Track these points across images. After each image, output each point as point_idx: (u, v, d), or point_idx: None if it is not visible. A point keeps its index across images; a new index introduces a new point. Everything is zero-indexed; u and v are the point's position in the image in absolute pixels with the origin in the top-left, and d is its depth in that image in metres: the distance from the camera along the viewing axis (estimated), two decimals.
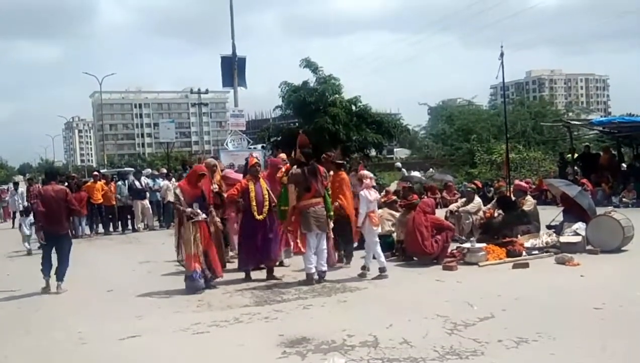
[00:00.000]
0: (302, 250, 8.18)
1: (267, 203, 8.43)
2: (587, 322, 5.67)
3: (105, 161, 58.03)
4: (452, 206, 11.82)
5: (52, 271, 8.62)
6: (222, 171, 10.67)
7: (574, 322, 5.67)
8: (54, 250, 8.74)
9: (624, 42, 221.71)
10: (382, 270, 8.39)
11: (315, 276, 8.11)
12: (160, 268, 10.04)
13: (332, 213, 8.43)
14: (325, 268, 8.24)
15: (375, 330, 5.63)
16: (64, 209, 8.79)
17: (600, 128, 21.63)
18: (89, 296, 8.25)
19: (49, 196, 8.74)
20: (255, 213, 8.36)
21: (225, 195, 9.25)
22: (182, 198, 8.01)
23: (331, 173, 9.03)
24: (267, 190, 8.54)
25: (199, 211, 8.04)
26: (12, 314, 7.49)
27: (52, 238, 8.72)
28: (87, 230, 16.75)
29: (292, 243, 8.77)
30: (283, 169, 9.13)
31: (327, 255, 8.41)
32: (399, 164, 23.03)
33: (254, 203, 8.35)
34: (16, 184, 21.65)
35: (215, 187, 9.15)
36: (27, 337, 6.29)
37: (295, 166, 8.50)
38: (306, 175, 8.18)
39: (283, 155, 10.54)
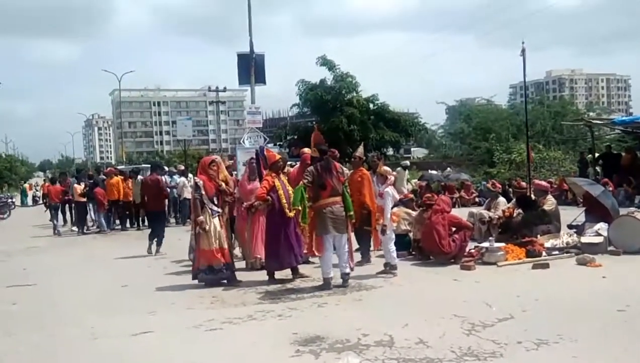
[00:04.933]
0: (317, 253, 7.73)
1: (292, 198, 8.07)
2: (609, 324, 5.49)
3: (124, 158, 58.33)
4: (484, 213, 11.35)
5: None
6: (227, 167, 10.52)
7: (596, 324, 5.50)
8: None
9: None
10: (391, 267, 8.29)
11: (338, 281, 7.69)
12: (176, 265, 10.02)
13: (352, 213, 7.89)
14: (348, 270, 7.71)
15: (391, 329, 5.51)
16: (158, 193, 12.29)
17: (622, 128, 21.25)
18: (104, 291, 8.23)
19: (148, 183, 12.63)
20: (287, 210, 7.99)
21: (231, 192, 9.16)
22: (204, 192, 8.00)
23: (346, 171, 8.80)
24: (288, 185, 8.36)
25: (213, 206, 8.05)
26: (26, 308, 7.48)
27: (152, 214, 12.37)
28: (104, 225, 16.88)
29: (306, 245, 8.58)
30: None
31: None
32: (406, 162, 22.33)
33: (284, 200, 8.02)
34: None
35: (222, 184, 9.00)
36: (40, 331, 6.27)
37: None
38: (319, 171, 7.75)
39: (307, 149, 10.14)
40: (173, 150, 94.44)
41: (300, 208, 7.58)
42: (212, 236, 7.99)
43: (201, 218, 7.94)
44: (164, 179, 16.69)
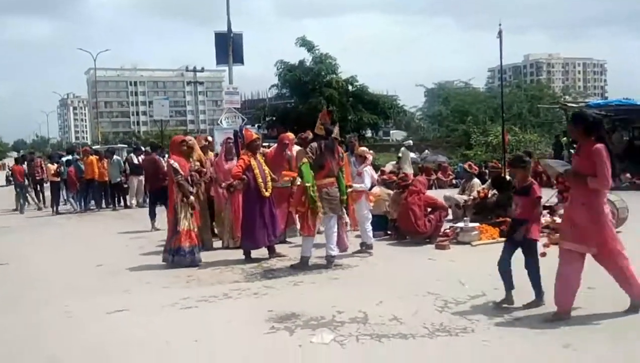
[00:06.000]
0: (311, 232, 7.61)
1: (269, 178, 8.17)
2: (578, 303, 5.59)
3: (100, 138, 57.51)
4: (457, 198, 11.48)
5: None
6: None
7: None
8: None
9: (622, 27, 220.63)
10: (367, 246, 8.35)
11: (313, 260, 7.71)
12: (152, 245, 9.95)
13: (345, 196, 7.86)
14: (334, 252, 7.64)
15: (365, 306, 5.58)
16: (155, 172, 12.10)
17: (597, 111, 21.52)
18: (79, 271, 8.18)
19: (147, 163, 13.20)
20: (263, 190, 8.05)
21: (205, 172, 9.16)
22: (181, 171, 7.98)
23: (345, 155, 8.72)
24: (265, 165, 8.36)
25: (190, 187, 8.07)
26: (0, 288, 7.42)
27: (152, 193, 12.40)
28: (75, 206, 16.72)
29: (298, 224, 8.55)
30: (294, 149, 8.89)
31: (339, 239, 7.89)
32: (409, 142, 21.78)
33: (260, 180, 8.02)
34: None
35: (197, 164, 8.98)
36: (13, 311, 6.23)
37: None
38: (322, 150, 7.63)
39: (290, 134, 10.08)
40: (150, 130, 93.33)
41: (311, 184, 7.47)
42: (190, 217, 8.01)
43: (192, 198, 7.99)
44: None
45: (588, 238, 5.01)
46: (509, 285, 5.48)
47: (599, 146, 4.87)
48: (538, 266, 5.47)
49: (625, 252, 5.14)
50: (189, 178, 8.10)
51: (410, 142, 21.89)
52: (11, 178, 19.00)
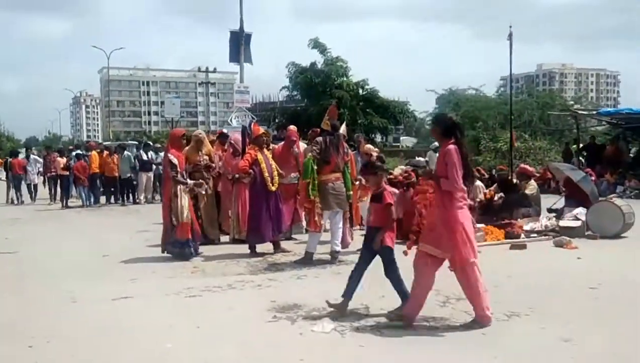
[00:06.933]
0: (319, 229, 7.64)
1: (275, 172, 8.22)
2: (579, 301, 5.64)
3: (111, 137, 57.90)
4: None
5: None
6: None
7: (566, 300, 5.65)
8: None
9: (636, 40, 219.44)
10: None
11: (316, 256, 7.73)
12: (158, 238, 9.94)
13: (351, 192, 7.96)
14: (339, 248, 7.65)
15: (368, 300, 5.62)
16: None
17: (607, 119, 21.47)
18: (85, 260, 8.28)
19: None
20: (269, 184, 8.10)
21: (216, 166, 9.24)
22: (178, 167, 8.03)
23: (351, 152, 8.78)
24: (272, 160, 8.41)
25: (187, 180, 8.21)
26: (6, 273, 7.52)
27: None
28: (84, 200, 16.79)
29: (304, 220, 8.57)
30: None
31: (342, 235, 7.90)
32: (435, 144, 21.78)
33: (266, 174, 8.07)
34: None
35: (205, 158, 9.08)
36: (19, 294, 6.32)
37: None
38: (327, 145, 7.65)
39: (293, 127, 10.10)
40: (161, 131, 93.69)
41: (309, 180, 7.53)
42: (186, 211, 8.02)
43: (190, 182, 8.13)
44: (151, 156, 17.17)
45: (442, 241, 4.88)
46: (349, 292, 5.29)
47: (451, 147, 4.83)
48: (398, 273, 5.37)
49: (477, 264, 4.92)
50: (184, 173, 8.19)
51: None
52: (9, 170, 18.95)
